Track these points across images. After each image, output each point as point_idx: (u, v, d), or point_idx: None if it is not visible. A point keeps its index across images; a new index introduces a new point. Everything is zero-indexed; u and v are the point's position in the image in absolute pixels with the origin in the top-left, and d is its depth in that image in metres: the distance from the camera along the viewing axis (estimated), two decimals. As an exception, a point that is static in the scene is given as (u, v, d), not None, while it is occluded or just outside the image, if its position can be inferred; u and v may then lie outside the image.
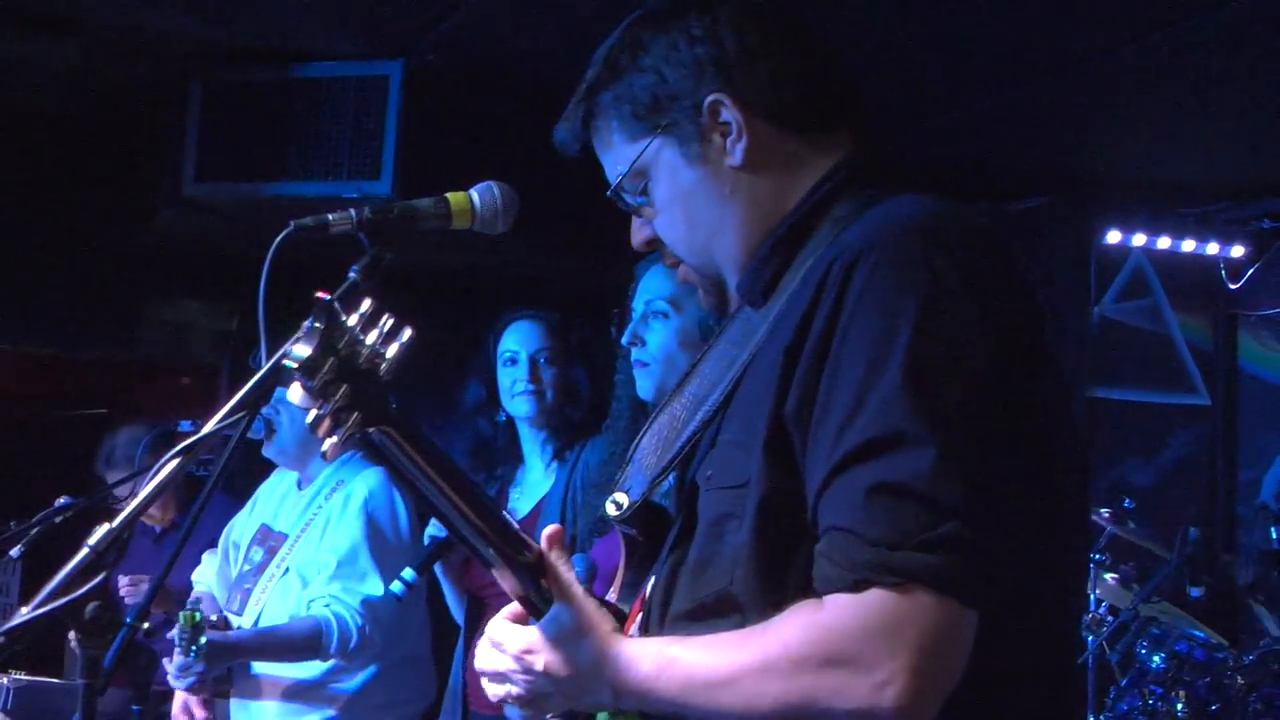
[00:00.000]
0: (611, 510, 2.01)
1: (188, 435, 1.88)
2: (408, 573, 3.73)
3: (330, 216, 2.00)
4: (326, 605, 4.23)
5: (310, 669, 4.30)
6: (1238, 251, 7.27)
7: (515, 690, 1.92)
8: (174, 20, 5.25)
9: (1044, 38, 5.11)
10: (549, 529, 1.94)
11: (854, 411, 1.64)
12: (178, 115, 5.66)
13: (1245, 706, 4.70)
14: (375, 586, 4.26)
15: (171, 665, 4.06)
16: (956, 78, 5.55)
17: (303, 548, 4.40)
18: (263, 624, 4.33)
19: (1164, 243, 7.21)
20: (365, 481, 4.41)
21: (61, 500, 4.59)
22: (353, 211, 2.01)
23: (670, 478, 2.00)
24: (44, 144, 6.17)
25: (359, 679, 4.36)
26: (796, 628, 1.66)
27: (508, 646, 1.92)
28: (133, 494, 1.86)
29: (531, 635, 1.89)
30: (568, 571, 1.91)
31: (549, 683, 1.87)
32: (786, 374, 1.74)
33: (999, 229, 1.79)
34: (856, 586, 1.61)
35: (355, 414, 1.79)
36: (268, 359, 1.87)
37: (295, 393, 1.82)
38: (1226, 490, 7.28)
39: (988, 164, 6.61)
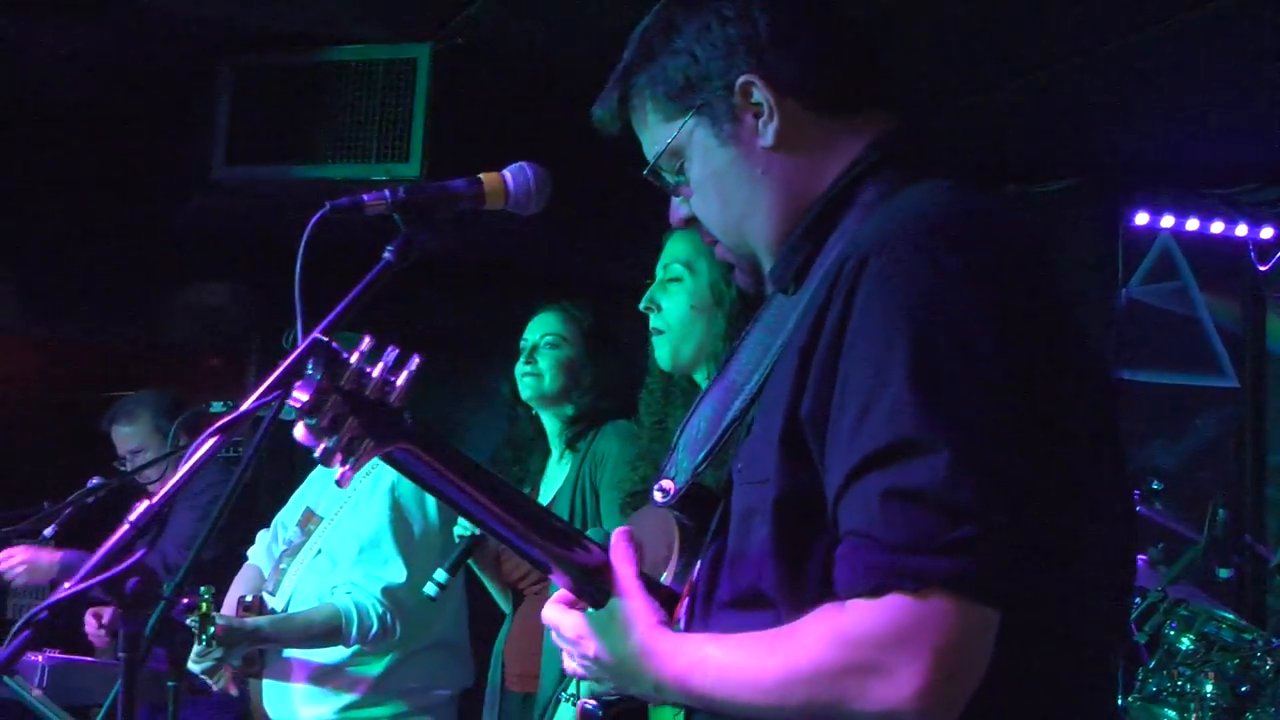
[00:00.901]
0: (658, 496, 2.04)
1: (218, 416, 1.89)
2: (440, 574, 3.76)
3: (365, 197, 2.02)
4: (348, 593, 4.26)
5: (336, 652, 4.32)
6: (1267, 233, 7.24)
7: (575, 667, 1.99)
8: (204, 4, 5.27)
9: (1071, 19, 5.09)
10: (618, 530, 1.99)
11: (866, 416, 1.65)
12: (208, 99, 5.68)
13: (1275, 688, 4.69)
14: (398, 573, 4.28)
15: (191, 657, 4.10)
16: (983, 61, 5.54)
17: (335, 529, 4.42)
18: (295, 604, 4.36)
19: (1192, 224, 7.18)
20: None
21: (93, 481, 4.65)
22: (387, 192, 2.02)
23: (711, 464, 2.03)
24: (75, 128, 6.20)
25: (383, 662, 4.38)
26: (819, 633, 1.68)
27: (563, 630, 1.97)
28: (164, 473, 1.88)
29: (582, 623, 1.94)
30: (628, 566, 1.95)
31: (600, 668, 1.93)
32: (801, 376, 1.75)
33: (1019, 218, 1.81)
34: (875, 591, 1.62)
35: (367, 440, 1.83)
36: (303, 339, 1.89)
37: (299, 431, 1.85)
38: (1255, 473, 7.25)
39: (1014, 147, 6.59)
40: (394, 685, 4.40)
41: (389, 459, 1.86)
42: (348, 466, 1.84)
